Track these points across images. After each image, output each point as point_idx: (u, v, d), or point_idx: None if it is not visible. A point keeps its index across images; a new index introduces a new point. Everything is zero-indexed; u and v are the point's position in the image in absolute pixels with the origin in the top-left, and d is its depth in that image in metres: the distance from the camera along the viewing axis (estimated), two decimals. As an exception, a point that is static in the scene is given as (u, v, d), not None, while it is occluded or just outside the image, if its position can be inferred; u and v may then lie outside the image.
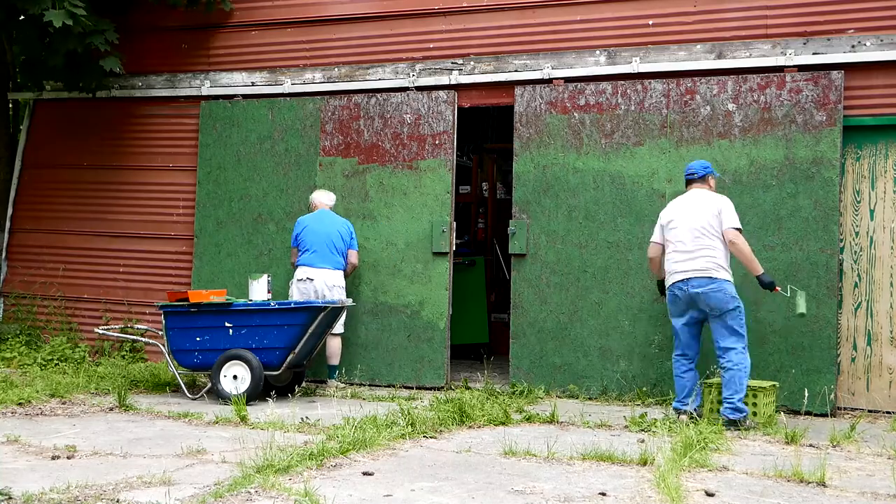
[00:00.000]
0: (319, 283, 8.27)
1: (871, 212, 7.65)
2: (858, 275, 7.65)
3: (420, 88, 8.95)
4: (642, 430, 6.55)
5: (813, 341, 7.51)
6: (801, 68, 7.75)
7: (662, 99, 8.09)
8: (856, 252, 7.67)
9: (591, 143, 8.30)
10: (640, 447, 5.78)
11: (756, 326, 7.62)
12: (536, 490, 4.84)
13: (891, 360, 7.53)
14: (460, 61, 8.85)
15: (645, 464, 5.42)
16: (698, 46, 8.09)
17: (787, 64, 7.77)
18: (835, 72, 7.60)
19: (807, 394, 7.26)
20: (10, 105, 11.12)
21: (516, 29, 8.71)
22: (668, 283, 7.10)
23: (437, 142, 8.78)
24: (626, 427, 6.71)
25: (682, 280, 6.95)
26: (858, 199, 7.68)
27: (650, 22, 8.28)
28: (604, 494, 4.75)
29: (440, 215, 8.70)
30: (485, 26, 8.82)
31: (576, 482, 5.03)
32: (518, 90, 8.56)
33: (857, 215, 7.67)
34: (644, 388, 7.91)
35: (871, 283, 7.62)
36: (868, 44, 7.60)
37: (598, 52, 8.38)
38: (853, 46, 7.63)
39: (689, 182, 7.25)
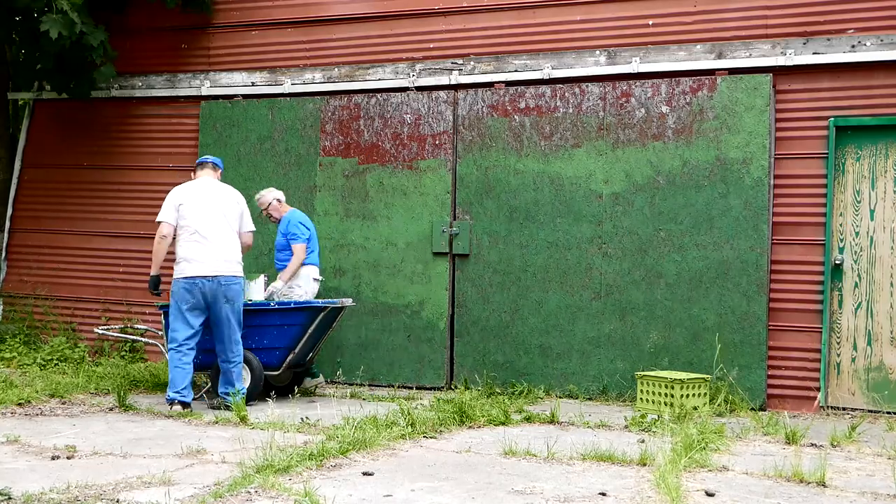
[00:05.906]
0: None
1: (871, 212, 7.64)
2: (858, 275, 7.65)
3: (420, 88, 8.95)
4: (642, 430, 6.55)
5: (744, 338, 7.64)
6: (803, 68, 7.76)
7: (599, 102, 8.22)
8: (856, 252, 7.66)
9: (530, 145, 8.42)
10: (640, 447, 5.78)
11: (689, 323, 7.83)
12: (536, 490, 4.83)
13: (891, 360, 7.53)
14: (460, 61, 8.85)
15: (645, 464, 5.42)
16: (698, 46, 8.09)
17: (787, 64, 7.77)
18: (761, 75, 7.74)
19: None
20: (10, 105, 11.12)
21: (516, 29, 8.71)
22: (189, 273, 7.09)
23: (437, 142, 8.78)
24: (626, 427, 6.71)
25: (213, 276, 7.10)
26: (858, 200, 7.68)
27: (650, 22, 8.28)
28: (604, 494, 4.74)
29: (440, 215, 8.70)
30: (485, 26, 8.83)
31: (576, 482, 5.02)
32: (461, 94, 8.67)
33: (857, 215, 7.67)
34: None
35: (871, 283, 7.62)
36: (868, 44, 7.60)
37: (598, 52, 8.38)
38: (853, 46, 7.63)
39: (203, 166, 7.51)
